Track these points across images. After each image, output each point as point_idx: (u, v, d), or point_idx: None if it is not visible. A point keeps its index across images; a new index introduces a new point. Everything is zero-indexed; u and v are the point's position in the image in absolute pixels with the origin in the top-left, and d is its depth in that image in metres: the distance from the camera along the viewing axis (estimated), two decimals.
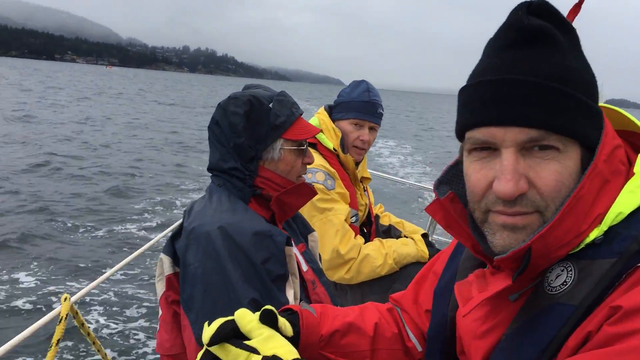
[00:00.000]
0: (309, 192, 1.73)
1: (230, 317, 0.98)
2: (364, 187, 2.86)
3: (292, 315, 1.17)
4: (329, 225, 2.42)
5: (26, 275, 6.89)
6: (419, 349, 1.26)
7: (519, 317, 0.86)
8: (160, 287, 1.60)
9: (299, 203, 1.73)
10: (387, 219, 3.06)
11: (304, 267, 1.71)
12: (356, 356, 1.22)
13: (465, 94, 0.89)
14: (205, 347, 0.94)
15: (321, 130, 2.58)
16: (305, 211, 2.38)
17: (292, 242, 1.60)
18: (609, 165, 0.84)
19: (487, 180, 0.85)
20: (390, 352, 1.25)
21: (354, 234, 2.51)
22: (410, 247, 2.60)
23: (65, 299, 1.53)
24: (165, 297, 1.59)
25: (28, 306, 6.12)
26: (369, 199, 2.90)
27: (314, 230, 1.97)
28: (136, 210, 10.34)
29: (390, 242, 2.59)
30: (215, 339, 0.91)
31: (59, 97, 40.75)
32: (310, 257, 1.82)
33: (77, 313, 1.56)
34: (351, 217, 2.61)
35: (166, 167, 15.43)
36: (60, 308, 1.52)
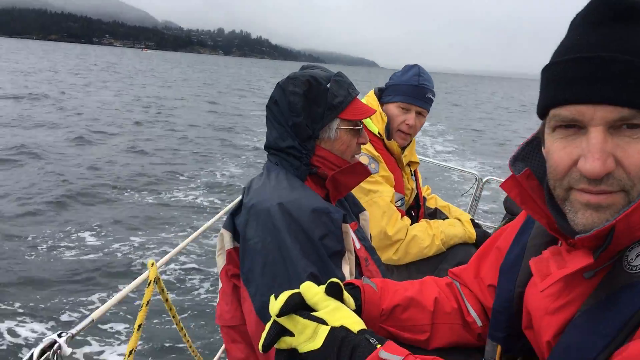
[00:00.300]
0: (364, 171, 1.74)
1: (296, 290, 1.00)
2: (411, 172, 2.83)
3: (353, 290, 1.20)
4: (375, 207, 2.43)
5: (90, 235, 7.74)
6: (479, 323, 1.27)
7: (596, 294, 0.86)
8: (221, 261, 1.65)
9: (353, 182, 1.75)
10: (434, 201, 3.04)
11: (357, 245, 1.74)
12: (416, 330, 1.24)
13: (551, 70, 0.88)
14: (273, 318, 0.97)
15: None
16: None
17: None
18: None
19: (572, 158, 0.84)
20: (450, 326, 1.27)
21: (400, 215, 2.51)
22: (457, 228, 2.59)
23: (152, 264, 1.62)
24: (225, 270, 1.64)
25: (92, 259, 6.87)
26: (417, 184, 2.87)
27: (365, 210, 1.99)
28: (181, 181, 11.38)
29: (437, 223, 2.58)
30: (284, 311, 0.94)
31: (104, 78, 42.78)
32: (362, 235, 1.85)
33: (159, 279, 1.65)
34: (396, 201, 2.59)
35: (208, 143, 16.55)
36: (149, 272, 1.62)
